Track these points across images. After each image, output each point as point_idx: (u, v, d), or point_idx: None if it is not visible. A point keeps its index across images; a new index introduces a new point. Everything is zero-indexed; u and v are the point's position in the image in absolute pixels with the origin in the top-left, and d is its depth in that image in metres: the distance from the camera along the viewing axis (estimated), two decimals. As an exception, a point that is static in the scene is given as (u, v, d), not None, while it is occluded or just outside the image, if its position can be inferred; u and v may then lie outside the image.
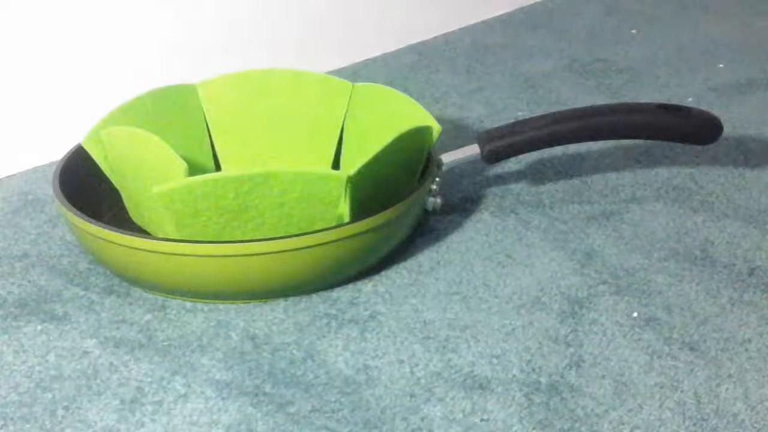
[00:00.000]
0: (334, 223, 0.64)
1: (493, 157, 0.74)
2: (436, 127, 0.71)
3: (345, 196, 0.63)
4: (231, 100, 0.80)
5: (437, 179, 0.72)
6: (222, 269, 0.63)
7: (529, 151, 0.75)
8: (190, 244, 0.63)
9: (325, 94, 0.79)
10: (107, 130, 0.69)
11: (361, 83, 0.79)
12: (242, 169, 0.65)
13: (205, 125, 0.79)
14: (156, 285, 0.66)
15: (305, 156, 0.79)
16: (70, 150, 0.74)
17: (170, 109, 0.77)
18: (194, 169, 0.76)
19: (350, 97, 0.78)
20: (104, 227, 0.64)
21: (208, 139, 0.79)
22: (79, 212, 0.66)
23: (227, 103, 0.80)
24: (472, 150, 0.74)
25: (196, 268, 0.63)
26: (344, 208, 0.64)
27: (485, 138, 0.74)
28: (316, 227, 0.64)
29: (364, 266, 0.68)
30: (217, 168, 0.79)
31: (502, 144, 0.73)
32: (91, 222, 0.65)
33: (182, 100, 0.78)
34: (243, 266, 0.63)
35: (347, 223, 0.64)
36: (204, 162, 0.78)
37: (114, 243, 0.64)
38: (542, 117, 0.75)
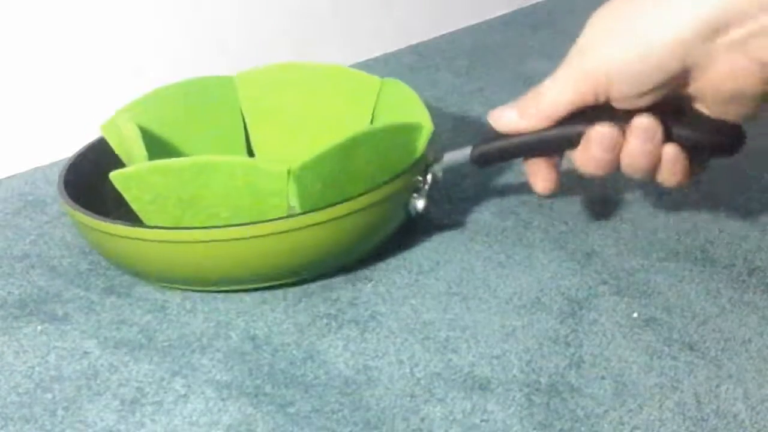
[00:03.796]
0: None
1: (481, 160, 0.69)
2: (427, 127, 0.67)
3: (293, 189, 0.61)
4: (268, 93, 0.79)
5: (419, 178, 0.68)
6: (167, 255, 0.64)
7: (520, 156, 0.69)
8: (126, 227, 0.63)
9: (358, 89, 0.78)
10: (123, 117, 0.69)
11: (388, 78, 0.77)
12: (185, 159, 0.63)
13: (241, 117, 0.79)
14: (125, 268, 0.68)
15: None
16: (88, 142, 0.74)
17: (206, 99, 0.77)
18: None
19: (378, 93, 0.77)
20: (78, 209, 0.65)
21: (243, 130, 0.79)
22: (76, 204, 0.66)
23: (264, 95, 0.79)
24: (466, 152, 0.69)
25: (146, 252, 0.64)
26: (295, 201, 0.62)
27: (478, 140, 0.69)
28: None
29: (325, 261, 0.66)
30: None
31: (491, 148, 0.68)
32: (67, 201, 0.66)
33: (219, 91, 0.78)
34: (188, 253, 0.63)
35: (284, 217, 0.62)
36: (237, 153, 0.79)
37: (85, 225, 0.65)
38: None
